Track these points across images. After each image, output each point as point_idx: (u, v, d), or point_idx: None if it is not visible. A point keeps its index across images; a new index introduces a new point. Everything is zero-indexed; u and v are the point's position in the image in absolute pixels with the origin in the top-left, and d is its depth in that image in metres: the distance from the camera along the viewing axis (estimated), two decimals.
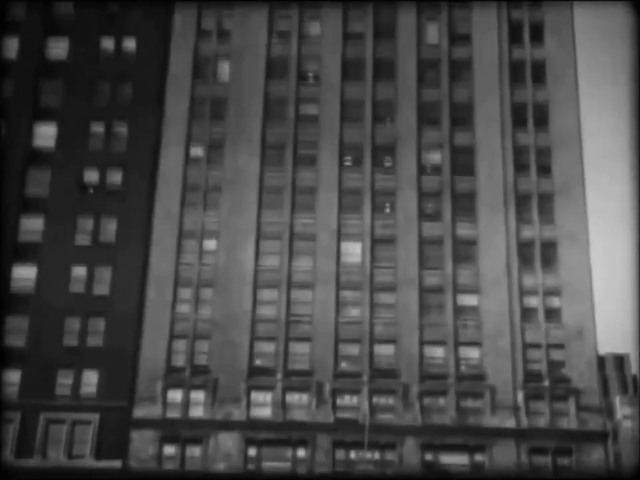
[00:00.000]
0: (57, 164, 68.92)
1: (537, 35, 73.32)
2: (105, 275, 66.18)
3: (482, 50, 72.56)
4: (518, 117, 70.80)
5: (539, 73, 72.17)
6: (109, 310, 65.06)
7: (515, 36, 73.22)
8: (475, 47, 72.77)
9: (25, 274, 65.96)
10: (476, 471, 62.38)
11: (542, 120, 70.76)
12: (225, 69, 72.95)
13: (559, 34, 73.21)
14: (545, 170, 69.37)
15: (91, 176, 68.90)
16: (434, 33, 73.56)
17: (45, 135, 69.93)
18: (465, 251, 67.35)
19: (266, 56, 72.98)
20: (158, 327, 65.25)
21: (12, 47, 72.20)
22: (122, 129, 70.33)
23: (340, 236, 67.88)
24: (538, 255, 67.16)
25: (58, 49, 72.61)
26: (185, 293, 66.71)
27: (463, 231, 67.81)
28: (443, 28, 73.56)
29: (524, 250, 67.24)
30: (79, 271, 66.25)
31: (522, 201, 68.47)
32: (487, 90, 71.35)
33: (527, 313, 65.82)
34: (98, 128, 70.25)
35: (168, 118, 70.93)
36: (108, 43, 72.64)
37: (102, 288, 65.89)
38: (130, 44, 72.68)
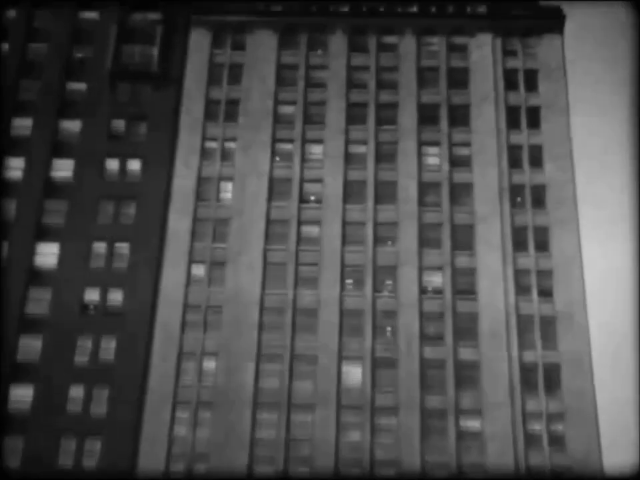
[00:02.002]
0: (58, 283, 68.96)
1: (536, 159, 74.38)
2: (102, 395, 65.49)
3: (482, 173, 73.46)
4: (518, 240, 71.18)
5: (539, 196, 72.88)
6: (106, 431, 64.12)
7: (514, 160, 74.27)
8: (475, 171, 73.70)
9: (22, 394, 65.30)
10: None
11: (542, 243, 71.11)
12: (227, 190, 73.73)
13: (558, 158, 74.20)
14: (546, 293, 69.33)
15: (92, 295, 68.87)
16: (434, 156, 74.64)
17: (47, 253, 70.16)
18: (467, 374, 66.77)
19: (268, 177, 73.86)
20: (155, 448, 64.21)
21: (17, 166, 73.14)
22: (124, 248, 70.59)
23: (341, 357, 67.42)
24: (541, 379, 66.56)
25: (63, 169, 73.46)
26: (184, 414, 65.88)
27: (465, 353, 67.39)
28: (443, 151, 74.67)
29: (526, 373, 66.70)
30: (76, 391, 65.58)
31: (524, 324, 68.25)
32: (488, 212, 71.93)
33: (530, 438, 64.87)
34: (100, 247, 70.53)
35: (170, 237, 71.33)
36: (113, 164, 73.59)
37: (99, 408, 65.12)
38: (134, 165, 73.62)
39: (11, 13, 78.83)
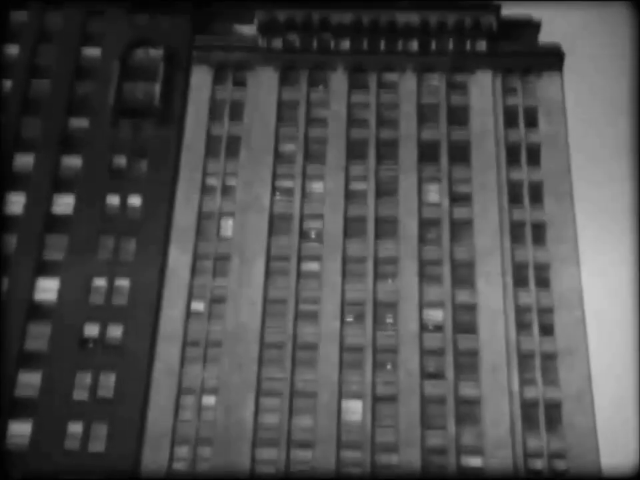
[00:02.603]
0: (58, 318, 68.74)
1: (537, 196, 74.51)
2: (101, 431, 65.03)
3: (482, 210, 73.53)
4: (519, 276, 71.05)
5: (540, 233, 72.87)
6: (104, 469, 63.48)
7: (515, 196, 74.42)
8: (475, 207, 73.78)
9: (21, 429, 64.88)
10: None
11: (543, 279, 70.98)
12: (228, 226, 73.78)
13: (558, 195, 74.34)
14: (547, 330, 69.07)
15: (91, 330, 68.65)
16: (435, 193, 74.79)
17: (47, 288, 70.04)
18: (467, 410, 66.34)
19: (269, 213, 73.92)
20: None
21: (18, 201, 73.25)
22: (124, 284, 70.47)
23: (341, 393, 67.01)
24: (542, 415, 66.12)
25: (64, 204, 73.55)
26: (183, 450, 65.39)
27: (466, 389, 67.01)
28: (444, 188, 74.81)
29: (527, 410, 66.23)
30: (75, 427, 65.13)
31: (525, 361, 67.91)
32: (488, 249, 71.87)
33: (532, 476, 64.21)
34: (100, 282, 70.43)
35: (170, 273, 71.17)
36: (113, 200, 73.66)
37: (98, 445, 64.62)
38: (135, 201, 73.68)
39: (14, 49, 79.39)
